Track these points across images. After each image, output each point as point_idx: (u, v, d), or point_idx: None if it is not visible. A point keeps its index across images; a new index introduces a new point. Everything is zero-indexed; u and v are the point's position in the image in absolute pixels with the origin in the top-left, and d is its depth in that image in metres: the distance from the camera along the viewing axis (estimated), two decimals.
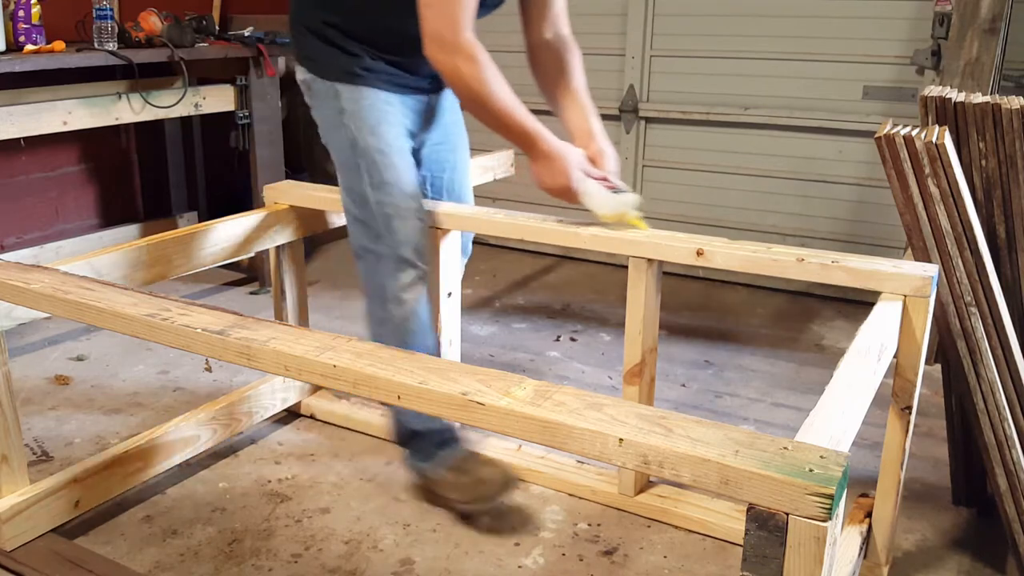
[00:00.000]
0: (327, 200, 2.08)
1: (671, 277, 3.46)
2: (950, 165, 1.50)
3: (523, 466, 2.05)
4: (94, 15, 2.80)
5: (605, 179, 1.75)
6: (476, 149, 2.01)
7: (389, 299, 1.78)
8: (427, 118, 1.94)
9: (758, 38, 3.31)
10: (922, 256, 1.59)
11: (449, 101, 1.99)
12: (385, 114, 1.79)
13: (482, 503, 1.85)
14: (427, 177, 1.98)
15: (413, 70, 1.83)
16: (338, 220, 2.17)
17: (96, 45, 2.80)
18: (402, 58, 1.81)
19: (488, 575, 1.73)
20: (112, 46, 2.82)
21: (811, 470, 0.88)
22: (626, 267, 1.81)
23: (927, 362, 1.62)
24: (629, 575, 1.74)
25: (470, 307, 3.23)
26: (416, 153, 1.90)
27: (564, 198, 1.75)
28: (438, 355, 1.87)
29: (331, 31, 1.79)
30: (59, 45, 2.76)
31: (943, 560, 1.80)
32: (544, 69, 1.92)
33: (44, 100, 2.73)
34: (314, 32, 1.81)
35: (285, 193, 2.13)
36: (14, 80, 2.61)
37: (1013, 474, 1.63)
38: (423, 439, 1.89)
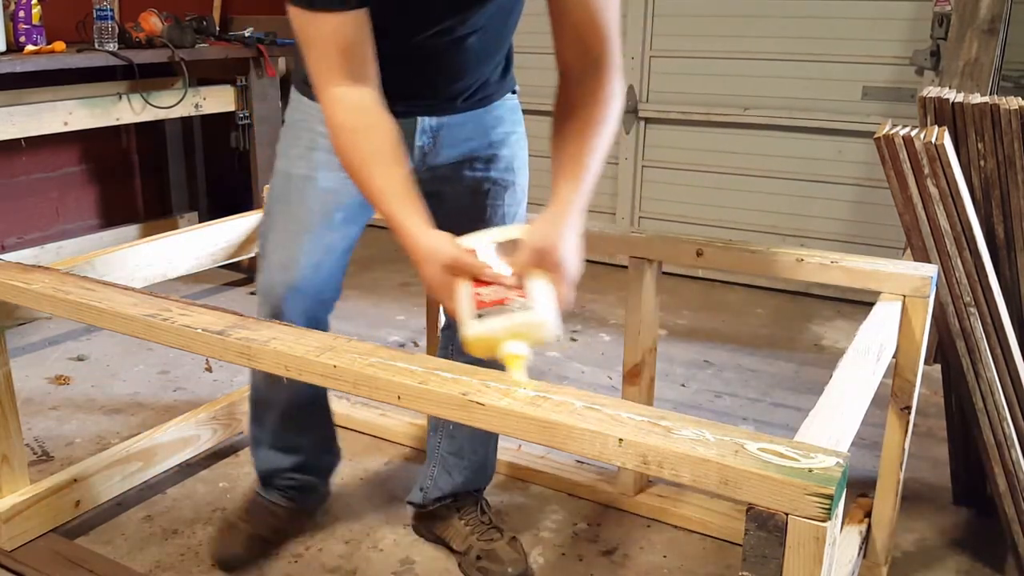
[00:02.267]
0: None
1: (671, 277, 3.46)
2: (949, 165, 1.51)
3: (523, 466, 2.05)
4: (94, 16, 2.81)
5: (501, 294, 1.17)
6: None
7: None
8: (433, 146, 1.52)
9: (758, 38, 3.31)
10: (921, 256, 1.59)
11: (471, 128, 1.54)
12: (311, 137, 1.48)
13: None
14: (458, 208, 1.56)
15: (388, 83, 1.40)
16: None
17: (96, 46, 2.81)
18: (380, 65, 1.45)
19: None
20: (112, 47, 2.82)
21: (810, 470, 0.88)
22: (626, 267, 1.81)
23: (926, 362, 1.62)
24: (629, 575, 1.74)
25: None
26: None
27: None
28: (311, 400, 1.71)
29: None
30: (59, 46, 2.76)
31: (942, 560, 1.80)
32: (559, 109, 1.34)
33: (45, 100, 2.74)
34: None
35: None
36: (15, 80, 2.62)
37: (1012, 474, 1.64)
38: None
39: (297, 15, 1.22)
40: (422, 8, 1.32)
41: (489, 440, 1.77)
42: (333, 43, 1.22)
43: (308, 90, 1.44)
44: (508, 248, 1.21)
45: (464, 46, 1.41)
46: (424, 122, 1.49)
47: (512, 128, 1.58)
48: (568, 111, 1.31)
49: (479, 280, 1.17)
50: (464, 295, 1.16)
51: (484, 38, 1.42)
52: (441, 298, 1.20)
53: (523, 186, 1.61)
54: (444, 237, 1.20)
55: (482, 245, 1.22)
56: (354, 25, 1.21)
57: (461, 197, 1.56)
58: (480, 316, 1.13)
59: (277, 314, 1.51)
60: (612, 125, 1.30)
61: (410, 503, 1.82)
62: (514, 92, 1.62)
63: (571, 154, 1.27)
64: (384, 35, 1.27)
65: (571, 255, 1.20)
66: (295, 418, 1.71)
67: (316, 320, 1.55)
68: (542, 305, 1.14)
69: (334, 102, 1.25)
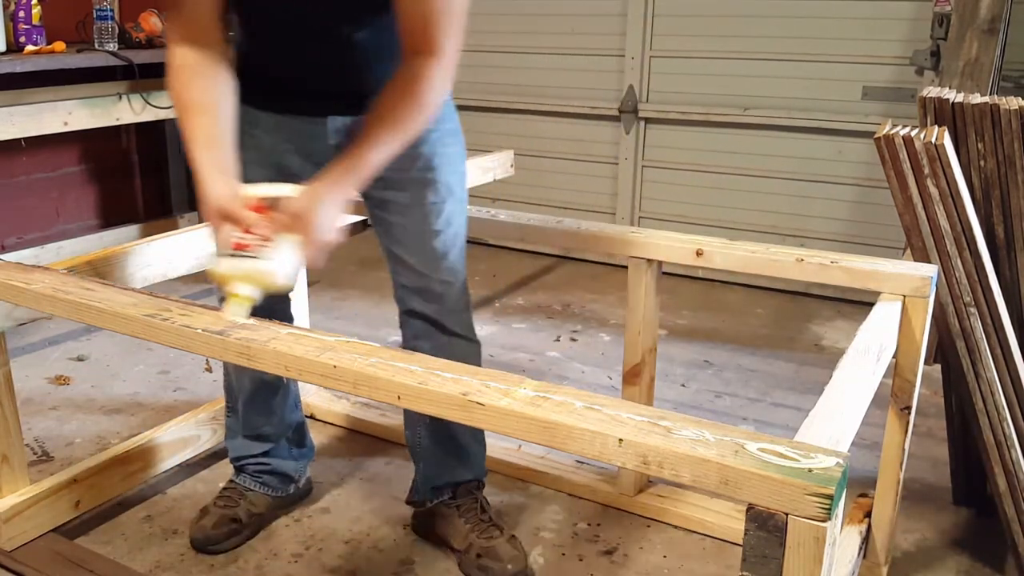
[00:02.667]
0: None
1: (671, 277, 3.46)
2: (949, 165, 1.51)
3: (523, 466, 2.05)
4: (94, 16, 2.81)
5: (252, 240, 1.30)
6: (474, 149, 1.92)
7: None
8: (334, 143, 1.55)
9: (758, 38, 3.31)
10: (921, 256, 1.59)
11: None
12: (241, 137, 1.50)
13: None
14: (376, 216, 1.66)
15: (288, 79, 1.51)
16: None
17: (96, 46, 2.81)
18: (270, 62, 1.52)
19: None
20: (112, 47, 2.82)
21: (810, 470, 0.88)
22: (626, 267, 1.81)
23: (926, 362, 1.62)
24: (629, 575, 1.74)
25: None
26: None
27: None
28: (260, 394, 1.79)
29: None
30: (59, 46, 2.77)
31: (942, 560, 1.80)
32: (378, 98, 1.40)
33: (45, 101, 2.74)
34: None
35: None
36: (15, 81, 2.62)
37: (1012, 474, 1.64)
38: None
39: None
40: (290, 3, 1.40)
41: (468, 431, 1.74)
42: (179, 9, 1.41)
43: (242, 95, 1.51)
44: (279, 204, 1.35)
45: (353, 43, 1.46)
46: (336, 121, 1.54)
47: (432, 126, 1.56)
48: (376, 104, 1.38)
49: (246, 229, 1.31)
50: (223, 235, 1.32)
51: (376, 35, 1.45)
52: (214, 236, 1.35)
53: (449, 183, 1.61)
54: (228, 186, 1.33)
55: (270, 199, 1.35)
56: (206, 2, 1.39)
57: (387, 194, 1.60)
58: (232, 255, 1.31)
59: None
60: (405, 129, 1.37)
61: (408, 503, 1.84)
62: None
63: (359, 136, 1.36)
64: (279, 29, 1.38)
65: (322, 223, 1.31)
66: (259, 403, 1.80)
67: (270, 310, 1.58)
68: (278, 258, 1.30)
69: (171, 56, 1.41)
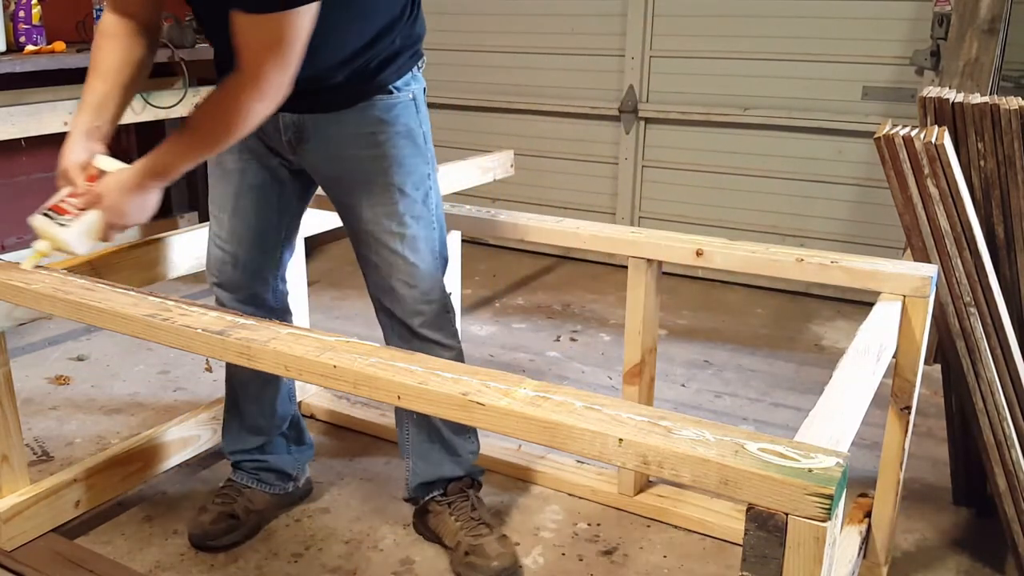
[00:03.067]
0: (327, 200, 2.08)
1: (671, 277, 3.46)
2: (949, 165, 1.51)
3: (523, 466, 2.05)
4: (94, 15, 2.81)
5: (71, 206, 1.49)
6: (474, 149, 1.92)
7: None
8: (299, 141, 1.59)
9: (758, 38, 3.31)
10: (921, 256, 1.59)
11: (336, 129, 1.59)
12: None
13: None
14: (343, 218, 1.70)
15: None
16: (338, 220, 2.17)
17: None
18: (220, 58, 1.57)
19: None
20: None
21: (810, 470, 0.88)
22: (626, 267, 1.81)
23: (926, 362, 1.62)
24: (629, 575, 1.74)
25: (470, 307, 3.23)
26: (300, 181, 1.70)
27: None
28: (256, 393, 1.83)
29: None
30: (59, 46, 2.76)
31: (942, 560, 1.80)
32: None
33: (45, 100, 2.74)
34: None
35: None
36: (15, 80, 2.62)
37: (1012, 474, 1.64)
38: None
39: None
40: (212, 5, 1.42)
41: (455, 427, 1.75)
42: None
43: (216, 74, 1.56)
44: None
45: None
46: (285, 117, 1.56)
47: (381, 128, 1.57)
48: (204, 102, 1.42)
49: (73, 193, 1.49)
50: (56, 195, 1.51)
51: (318, 35, 1.41)
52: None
53: (400, 184, 1.59)
54: (80, 150, 1.48)
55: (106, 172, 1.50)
56: None
57: (342, 197, 1.65)
58: (47, 214, 1.50)
59: (219, 299, 1.74)
60: (212, 135, 1.41)
61: (406, 500, 1.86)
62: (390, 91, 1.57)
63: (169, 138, 1.45)
64: (222, 29, 1.36)
65: (116, 205, 1.46)
66: (259, 397, 1.82)
67: (253, 296, 1.74)
68: (73, 226, 1.48)
69: (100, 23, 1.52)
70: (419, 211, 1.63)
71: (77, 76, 2.81)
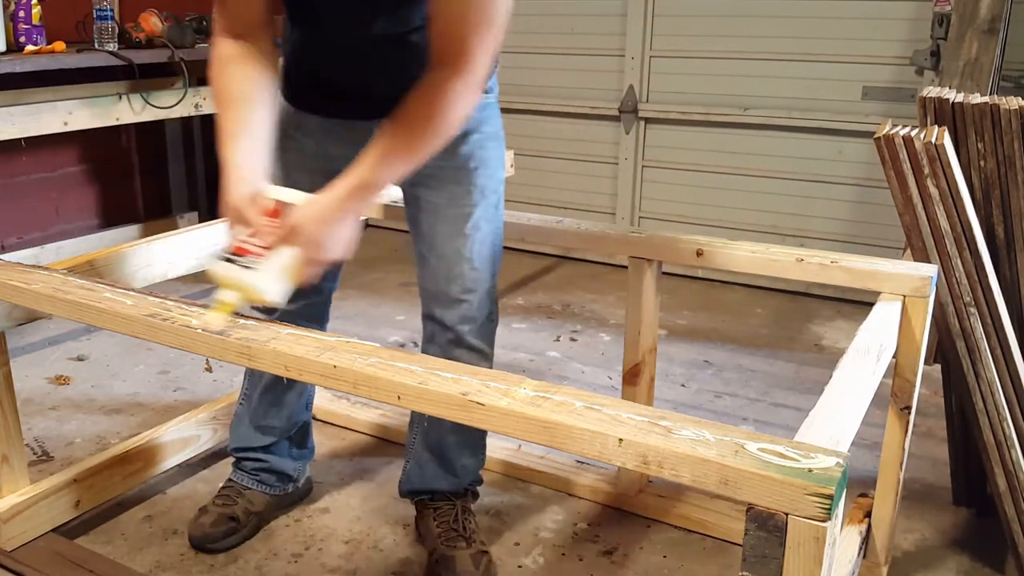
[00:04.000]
0: None
1: (671, 277, 3.46)
2: (949, 165, 1.50)
3: (523, 466, 2.05)
4: (94, 15, 2.81)
5: (254, 246, 1.27)
6: None
7: None
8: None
9: (758, 38, 3.31)
10: (921, 256, 1.59)
11: None
12: (284, 140, 1.53)
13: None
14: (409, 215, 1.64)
15: (337, 82, 1.49)
16: None
17: (96, 46, 2.81)
18: (319, 63, 1.49)
19: None
20: (112, 47, 2.82)
21: (810, 470, 0.88)
22: (626, 267, 1.81)
23: (926, 362, 1.62)
24: (629, 575, 1.74)
25: None
26: None
27: None
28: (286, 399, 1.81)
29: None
30: (59, 46, 2.76)
31: (942, 560, 1.80)
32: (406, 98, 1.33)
33: (45, 100, 2.73)
34: None
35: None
36: (15, 80, 2.61)
37: (1012, 474, 1.64)
38: None
39: None
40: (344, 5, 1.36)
41: (462, 445, 1.74)
42: (226, 2, 1.37)
43: (284, 92, 1.50)
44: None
45: (409, 45, 1.40)
46: (379, 125, 1.47)
47: (472, 127, 1.53)
48: (396, 113, 1.29)
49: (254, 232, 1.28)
50: (232, 236, 1.30)
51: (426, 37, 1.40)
52: (228, 222, 1.31)
53: (484, 186, 1.57)
54: (245, 183, 1.29)
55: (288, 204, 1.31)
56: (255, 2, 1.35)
57: (420, 191, 1.56)
58: (228, 259, 1.27)
59: (269, 310, 1.59)
60: (426, 141, 1.29)
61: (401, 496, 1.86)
62: (485, 91, 1.55)
63: (372, 148, 1.28)
64: (331, 30, 1.32)
65: (320, 240, 1.26)
66: (274, 395, 1.80)
67: (312, 315, 1.70)
68: (269, 273, 1.25)
69: (215, 49, 1.38)
70: (491, 215, 1.60)
71: (77, 76, 2.82)
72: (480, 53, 1.25)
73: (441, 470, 1.75)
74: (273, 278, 1.25)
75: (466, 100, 1.29)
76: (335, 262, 1.30)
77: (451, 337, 1.61)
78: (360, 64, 1.45)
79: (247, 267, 1.25)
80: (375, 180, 1.28)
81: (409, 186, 1.55)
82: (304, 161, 1.55)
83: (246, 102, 1.35)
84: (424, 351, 1.65)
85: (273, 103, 1.41)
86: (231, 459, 1.91)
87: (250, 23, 1.38)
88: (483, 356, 1.65)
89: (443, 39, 1.26)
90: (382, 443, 2.21)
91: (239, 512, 1.81)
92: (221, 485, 1.89)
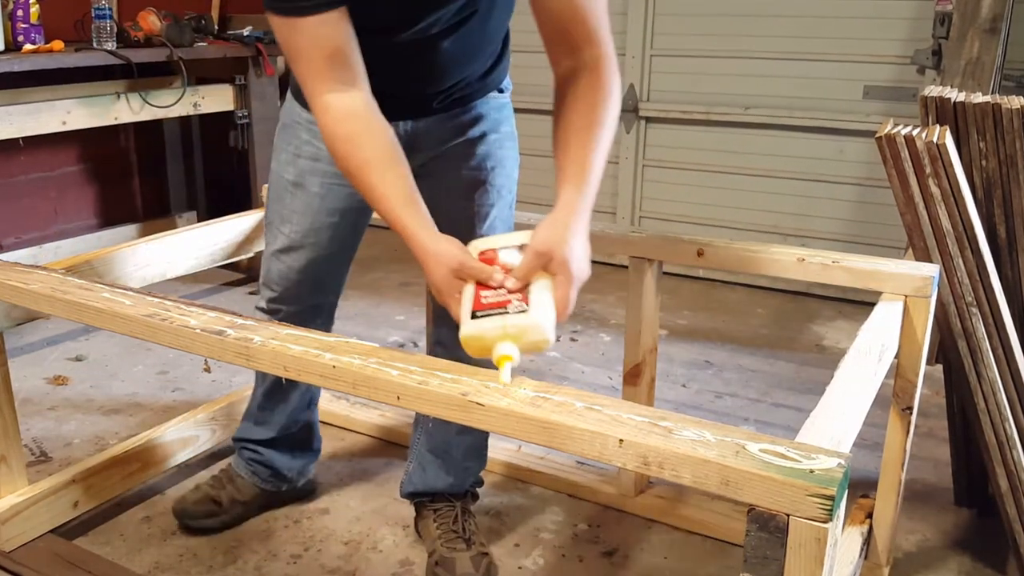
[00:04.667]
0: None
1: (671, 277, 3.45)
2: (951, 165, 1.50)
3: (523, 466, 2.05)
4: (93, 15, 2.80)
5: (499, 295, 1.16)
6: None
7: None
8: (411, 150, 1.44)
9: (758, 38, 3.31)
10: (923, 256, 1.59)
11: (446, 129, 1.54)
12: (297, 144, 1.54)
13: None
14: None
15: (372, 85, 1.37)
16: None
17: (95, 45, 2.80)
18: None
19: None
20: (111, 46, 2.82)
21: (812, 471, 0.87)
22: (626, 267, 1.80)
23: (928, 362, 1.62)
24: None
25: None
26: None
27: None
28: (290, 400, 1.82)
29: None
30: (58, 45, 2.76)
31: (944, 561, 1.79)
32: (559, 110, 1.31)
33: (43, 100, 2.73)
34: None
35: None
36: (13, 80, 2.61)
37: (1014, 474, 1.63)
38: None
39: (279, 24, 1.20)
40: (393, 7, 1.30)
41: (467, 447, 1.74)
42: (317, 48, 1.20)
43: (300, 97, 1.46)
44: (517, 253, 1.21)
45: (439, 48, 1.39)
46: (400, 126, 1.46)
47: (491, 127, 1.53)
48: (567, 112, 1.27)
49: (485, 284, 1.17)
50: (466, 296, 1.17)
51: (461, 40, 1.39)
52: (446, 301, 1.20)
53: (501, 186, 1.56)
54: (451, 242, 1.21)
55: (499, 248, 1.22)
56: (335, 26, 1.19)
57: (435, 195, 1.51)
58: (477, 316, 1.14)
59: (273, 311, 1.66)
60: (611, 124, 1.27)
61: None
62: (501, 91, 1.59)
63: (573, 157, 1.24)
64: (367, 35, 1.26)
65: (576, 258, 1.17)
66: (277, 390, 1.80)
67: (315, 307, 1.69)
68: (537, 309, 1.13)
69: (325, 111, 1.23)
70: (506, 216, 1.59)
71: (75, 75, 2.82)
72: (607, 30, 1.27)
73: (443, 472, 1.75)
74: (545, 313, 1.13)
75: (618, 74, 1.29)
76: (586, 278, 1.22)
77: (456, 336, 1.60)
78: (393, 70, 1.39)
79: (508, 313, 1.13)
80: (592, 173, 1.23)
81: (428, 189, 1.48)
82: (319, 166, 1.54)
83: (390, 163, 1.24)
84: (431, 353, 1.64)
85: (405, 156, 1.29)
86: (233, 441, 1.93)
87: (350, 60, 1.23)
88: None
89: (573, 27, 1.26)
90: (382, 443, 2.21)
91: (224, 497, 1.84)
92: (222, 468, 1.92)
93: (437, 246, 1.19)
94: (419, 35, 1.35)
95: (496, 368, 1.10)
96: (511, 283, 1.16)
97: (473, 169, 1.53)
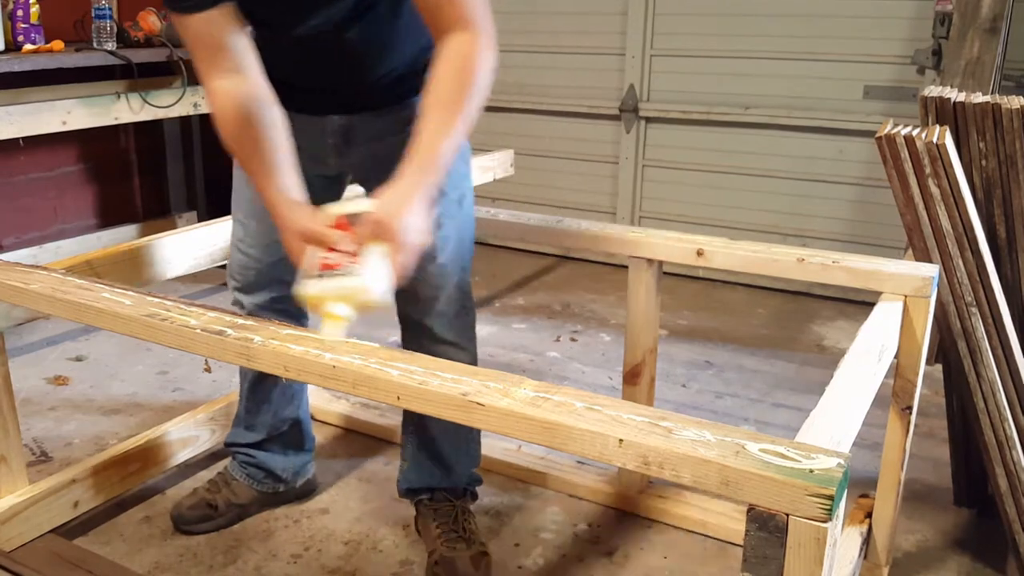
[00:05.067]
0: None
1: (671, 277, 3.45)
2: (950, 165, 1.50)
3: (523, 466, 2.05)
4: (93, 15, 2.80)
5: (339, 258, 1.25)
6: (474, 149, 1.88)
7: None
8: (346, 143, 1.57)
9: (758, 38, 3.31)
10: (923, 256, 1.59)
11: (381, 123, 1.56)
12: None
13: None
14: None
15: (286, 78, 1.45)
16: None
17: (95, 45, 2.80)
18: (269, 60, 1.44)
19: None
20: (111, 46, 2.82)
21: (811, 471, 0.87)
22: (626, 267, 1.80)
23: (928, 362, 1.62)
24: None
25: None
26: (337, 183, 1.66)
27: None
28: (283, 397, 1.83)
29: None
30: (58, 45, 2.76)
31: (943, 561, 1.80)
32: (427, 87, 1.34)
33: (43, 100, 2.73)
34: None
35: None
36: (13, 80, 2.61)
37: (1013, 474, 1.63)
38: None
39: (174, 20, 1.34)
40: (274, 6, 1.36)
41: (458, 443, 1.75)
42: (202, 41, 1.32)
43: None
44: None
45: (344, 40, 1.41)
46: (333, 120, 1.53)
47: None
48: (431, 91, 1.31)
49: (331, 248, 1.26)
50: (309, 257, 1.27)
51: (367, 32, 1.41)
52: (295, 260, 1.31)
53: (443, 183, 1.53)
54: (302, 209, 1.32)
55: (351, 214, 1.29)
56: (217, 23, 1.31)
57: (381, 187, 1.53)
58: (320, 276, 1.24)
59: (239, 301, 1.72)
60: (470, 110, 1.30)
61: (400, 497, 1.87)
62: None
63: (424, 137, 1.29)
64: (265, 29, 1.35)
65: (409, 227, 1.25)
66: (258, 392, 1.82)
67: (274, 299, 1.70)
68: (369, 272, 1.22)
69: (212, 96, 1.35)
70: (454, 212, 1.59)
71: (75, 75, 2.82)
72: (488, 19, 1.29)
73: (436, 468, 1.75)
74: (375, 276, 1.22)
75: (489, 62, 1.30)
76: (423, 246, 1.29)
77: (425, 334, 1.64)
78: (304, 62, 1.46)
79: (344, 276, 1.22)
80: (436, 155, 1.29)
81: (376, 182, 1.50)
82: None
83: (267, 141, 1.35)
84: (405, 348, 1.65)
85: (286, 128, 1.39)
86: (225, 445, 1.95)
87: (235, 51, 1.34)
88: (459, 348, 1.66)
89: (446, 6, 1.28)
90: (382, 443, 2.21)
91: (219, 501, 1.85)
92: (219, 472, 1.93)
93: (291, 212, 1.31)
94: (317, 30, 1.39)
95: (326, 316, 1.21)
96: (349, 247, 1.24)
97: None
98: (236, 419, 1.91)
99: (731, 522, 1.83)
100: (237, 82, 1.35)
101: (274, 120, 1.37)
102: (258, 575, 1.72)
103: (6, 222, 3.22)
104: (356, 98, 1.51)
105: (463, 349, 1.67)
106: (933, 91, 1.64)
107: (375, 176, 1.54)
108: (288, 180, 1.35)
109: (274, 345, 1.18)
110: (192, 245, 1.90)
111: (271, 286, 1.70)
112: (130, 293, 1.39)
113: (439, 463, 1.75)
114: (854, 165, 3.24)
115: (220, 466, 2.07)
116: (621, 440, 0.95)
